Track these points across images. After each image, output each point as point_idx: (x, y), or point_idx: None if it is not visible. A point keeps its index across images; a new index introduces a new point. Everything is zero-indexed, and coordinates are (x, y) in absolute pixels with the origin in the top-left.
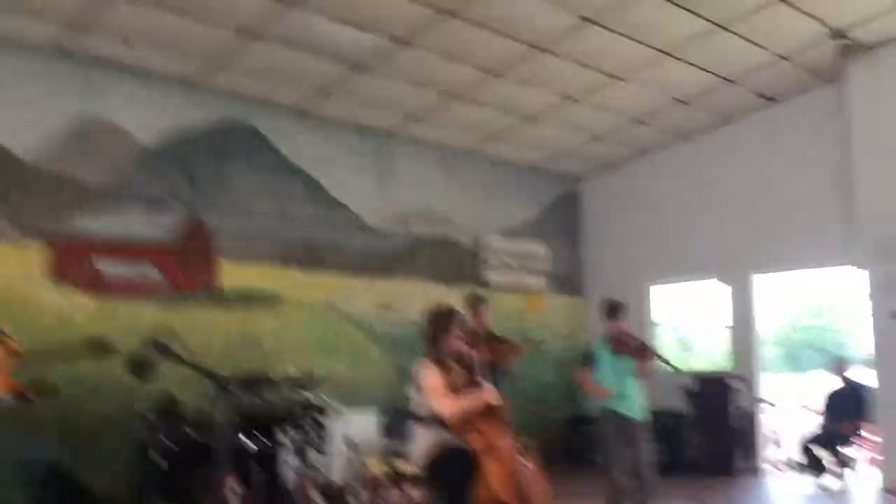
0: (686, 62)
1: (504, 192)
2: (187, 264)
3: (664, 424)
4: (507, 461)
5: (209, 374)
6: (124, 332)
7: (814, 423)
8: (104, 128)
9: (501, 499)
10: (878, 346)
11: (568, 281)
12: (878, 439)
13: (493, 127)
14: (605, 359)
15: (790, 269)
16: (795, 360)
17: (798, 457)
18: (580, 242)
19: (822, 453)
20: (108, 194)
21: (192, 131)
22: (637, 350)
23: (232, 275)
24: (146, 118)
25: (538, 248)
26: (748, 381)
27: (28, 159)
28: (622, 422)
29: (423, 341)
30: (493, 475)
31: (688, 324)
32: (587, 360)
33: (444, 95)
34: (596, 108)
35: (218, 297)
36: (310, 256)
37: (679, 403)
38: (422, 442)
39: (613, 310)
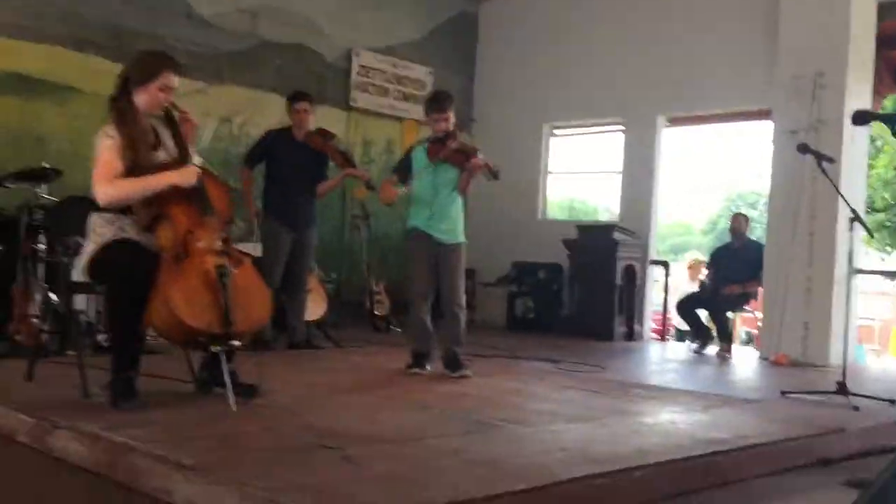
0: None
1: (386, 3)
2: None
3: (539, 278)
4: (205, 269)
5: None
6: None
7: (696, 284)
8: None
9: (186, 321)
10: (773, 194)
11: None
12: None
13: None
14: (422, 166)
15: (702, 112)
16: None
17: (677, 320)
18: (472, 72)
19: (702, 317)
20: None
21: None
22: (457, 156)
23: (2, 53)
24: None
25: (421, 74)
26: (638, 235)
27: None
28: (428, 243)
29: (114, 91)
30: (175, 286)
31: (586, 173)
32: (398, 167)
33: None
34: None
35: None
36: (117, 44)
37: (560, 257)
38: (93, 238)
39: (433, 102)
